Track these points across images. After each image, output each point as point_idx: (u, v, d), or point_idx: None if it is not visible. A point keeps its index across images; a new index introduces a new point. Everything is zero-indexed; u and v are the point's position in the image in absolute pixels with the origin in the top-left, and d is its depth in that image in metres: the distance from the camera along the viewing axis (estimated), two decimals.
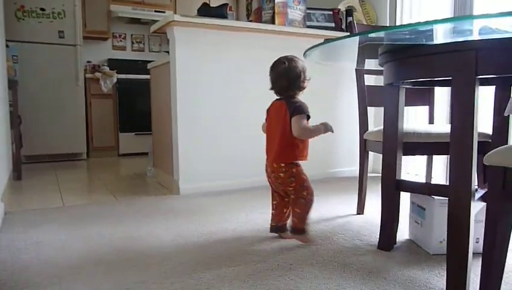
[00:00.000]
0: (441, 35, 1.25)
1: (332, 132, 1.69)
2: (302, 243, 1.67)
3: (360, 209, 2.16)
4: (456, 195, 1.21)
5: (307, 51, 1.43)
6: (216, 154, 2.79)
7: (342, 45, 1.36)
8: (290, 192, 1.66)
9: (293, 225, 1.69)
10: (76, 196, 2.67)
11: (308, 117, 1.63)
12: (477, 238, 1.53)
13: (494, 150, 1.06)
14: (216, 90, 2.77)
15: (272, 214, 1.76)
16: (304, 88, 1.68)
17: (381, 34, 1.29)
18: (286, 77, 1.64)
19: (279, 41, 2.88)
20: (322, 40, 1.45)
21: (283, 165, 1.63)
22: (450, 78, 1.19)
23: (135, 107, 4.88)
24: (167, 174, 2.91)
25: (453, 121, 1.20)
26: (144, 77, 4.63)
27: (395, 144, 1.57)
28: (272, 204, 1.76)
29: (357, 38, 1.27)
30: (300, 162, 1.67)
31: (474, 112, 1.15)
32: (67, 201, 2.52)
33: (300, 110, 1.61)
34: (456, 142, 1.19)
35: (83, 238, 1.77)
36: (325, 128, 1.67)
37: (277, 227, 1.74)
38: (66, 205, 2.41)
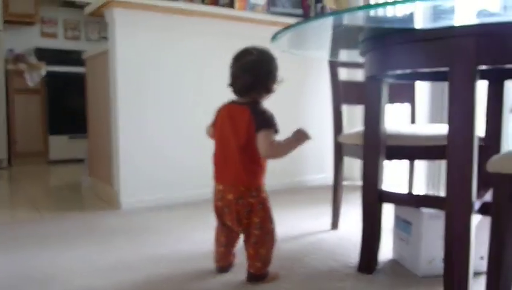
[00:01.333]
0: (428, 18, 1.19)
1: (310, 138, 1.49)
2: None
3: (335, 224, 2.09)
4: (455, 207, 1.15)
5: (276, 34, 1.32)
6: (164, 162, 2.63)
7: (313, 28, 1.27)
8: (255, 226, 1.41)
9: (254, 272, 1.44)
10: None
11: (276, 132, 1.41)
12: (482, 257, 1.48)
13: (500, 155, 1.00)
14: (165, 86, 2.62)
15: (219, 252, 1.52)
16: (272, 91, 1.45)
17: (359, 13, 1.20)
18: (252, 73, 1.40)
19: (239, 29, 2.78)
20: None
21: (253, 188, 1.41)
22: (447, 68, 1.12)
23: (68, 105, 4.65)
24: (106, 185, 2.73)
25: (451, 120, 1.13)
26: (79, 70, 4.39)
27: (378, 147, 1.50)
28: (219, 241, 1.51)
29: (330, 19, 1.18)
30: None
31: (475, 110, 1.09)
32: None
33: (269, 124, 1.39)
34: (455, 146, 1.13)
35: None
36: (299, 138, 1.47)
37: (226, 267, 1.54)
38: None
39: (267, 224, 1.43)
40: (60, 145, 4.63)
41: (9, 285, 1.43)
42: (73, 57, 4.90)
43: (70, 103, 4.63)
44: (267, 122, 1.39)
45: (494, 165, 1.00)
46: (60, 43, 5.20)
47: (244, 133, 1.39)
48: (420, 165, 2.79)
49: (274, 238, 1.46)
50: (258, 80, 1.41)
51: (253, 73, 1.40)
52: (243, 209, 1.40)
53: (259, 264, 1.43)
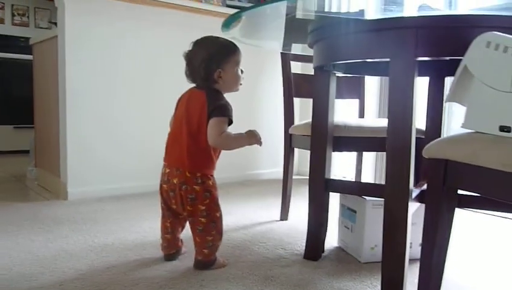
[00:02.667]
0: (374, 8, 1.23)
1: (261, 144, 1.48)
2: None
3: (284, 215, 2.12)
4: (393, 194, 1.19)
5: (225, 20, 1.33)
6: (113, 152, 2.58)
7: (265, 15, 1.29)
8: (201, 213, 1.40)
9: (202, 259, 1.44)
10: None
11: (230, 123, 1.40)
12: (410, 243, 1.54)
13: (435, 141, 1.05)
14: (116, 74, 2.57)
15: (166, 239, 1.50)
16: (212, 80, 1.40)
17: None
18: (188, 61, 1.43)
19: (193, 20, 2.76)
20: None
21: (199, 175, 1.38)
22: (388, 59, 1.17)
23: (14, 93, 4.47)
24: (53, 176, 2.64)
25: (390, 110, 1.18)
26: (26, 57, 4.21)
27: (325, 138, 1.54)
28: (164, 226, 1.49)
29: (285, 3, 1.20)
30: None
31: (414, 102, 1.14)
32: None
33: (222, 112, 1.37)
34: (394, 136, 1.18)
35: None
36: (251, 138, 1.45)
37: (173, 255, 1.53)
38: None
39: (213, 212, 1.42)
40: (5, 135, 4.43)
41: None
42: (20, 44, 4.70)
43: (16, 91, 4.45)
44: (220, 110, 1.37)
45: (428, 151, 1.05)
46: (7, 29, 4.95)
47: (197, 117, 1.38)
48: (369, 156, 2.88)
49: (220, 226, 1.45)
50: (193, 69, 1.42)
51: (189, 62, 1.43)
52: (186, 195, 1.38)
53: (206, 251, 1.43)
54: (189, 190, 1.38)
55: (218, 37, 1.46)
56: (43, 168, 2.88)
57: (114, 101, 2.57)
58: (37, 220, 2.00)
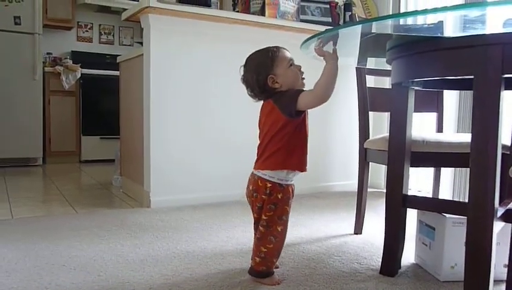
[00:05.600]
0: (455, 27, 1.22)
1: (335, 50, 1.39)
2: (268, 286, 1.44)
3: (359, 229, 2.10)
4: (477, 213, 1.16)
5: (304, 42, 1.37)
6: (193, 163, 2.71)
7: (342, 36, 1.31)
8: (262, 222, 1.42)
9: (253, 266, 1.46)
10: (28, 207, 2.55)
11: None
12: (494, 264, 1.49)
13: None
14: (196, 90, 2.70)
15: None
16: (267, 86, 1.39)
17: (388, 21, 1.25)
18: (243, 78, 1.46)
19: (269, 36, 2.83)
20: None
21: (269, 185, 1.39)
22: (469, 76, 1.15)
23: (101, 107, 4.79)
24: (137, 185, 2.82)
25: (474, 128, 1.15)
26: (112, 73, 4.53)
27: (403, 153, 1.53)
28: (254, 235, 1.50)
29: (359, 27, 1.22)
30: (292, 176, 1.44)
31: (499, 118, 1.11)
32: (16, 213, 2.39)
33: (294, 94, 1.37)
34: (478, 153, 1.15)
35: (33, 258, 1.66)
36: (331, 60, 1.38)
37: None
38: (15, 218, 2.28)
39: (275, 225, 1.41)
40: (92, 145, 4.76)
41: (49, 272, 1.51)
42: (106, 61, 5.06)
43: (103, 104, 4.76)
44: (291, 93, 1.38)
45: None
46: (95, 47, 5.36)
47: (269, 126, 1.40)
48: (447, 172, 2.78)
49: (280, 241, 1.44)
50: (252, 89, 1.44)
51: (246, 84, 1.46)
52: (255, 202, 1.44)
53: (257, 260, 1.44)
54: (258, 198, 1.43)
55: (258, 50, 1.47)
56: (127, 177, 3.08)
57: (193, 115, 2.69)
58: (125, 226, 2.15)
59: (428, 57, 1.26)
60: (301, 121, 1.41)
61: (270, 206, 1.41)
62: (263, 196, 1.41)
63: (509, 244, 1.35)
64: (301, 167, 1.43)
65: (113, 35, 5.48)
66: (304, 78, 1.46)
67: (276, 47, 1.45)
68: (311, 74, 1.49)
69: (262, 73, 1.39)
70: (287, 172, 1.41)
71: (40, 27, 4.36)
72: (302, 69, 1.46)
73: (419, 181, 3.08)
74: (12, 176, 3.70)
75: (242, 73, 1.47)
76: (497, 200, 1.17)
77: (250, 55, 1.47)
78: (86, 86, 4.72)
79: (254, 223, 1.50)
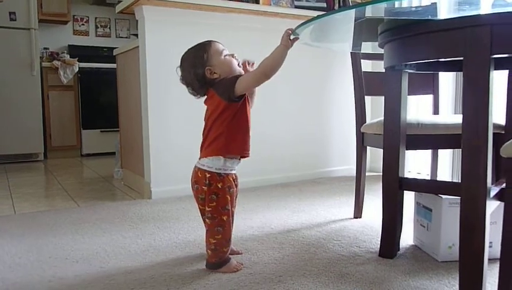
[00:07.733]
0: (447, 8, 1.22)
1: (291, 33, 1.40)
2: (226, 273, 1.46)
3: (358, 213, 2.13)
4: (470, 193, 1.18)
5: (296, 28, 1.38)
6: (193, 153, 2.71)
7: (335, 21, 1.32)
8: (206, 214, 1.45)
9: (207, 259, 1.49)
10: (31, 202, 2.58)
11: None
12: (491, 243, 1.51)
13: None
14: None
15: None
16: (207, 75, 1.44)
17: (381, 4, 1.25)
18: (181, 75, 1.50)
19: (265, 23, 2.84)
20: None
21: (208, 175, 1.43)
22: (461, 58, 1.16)
23: (100, 100, 4.80)
24: (137, 177, 2.84)
25: (465, 108, 1.16)
26: (109, 66, 4.55)
27: (398, 136, 1.54)
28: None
29: (352, 11, 1.23)
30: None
31: (490, 98, 1.12)
32: (19, 208, 2.42)
33: (231, 78, 1.41)
34: (469, 133, 1.16)
35: (35, 252, 1.69)
36: (286, 40, 1.39)
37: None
38: (17, 213, 2.31)
39: (220, 216, 1.43)
40: (92, 139, 4.78)
41: (52, 265, 1.54)
42: (104, 54, 5.06)
43: (102, 98, 4.78)
44: (230, 80, 1.41)
45: (506, 150, 1.03)
46: (91, 40, 5.36)
47: (210, 112, 1.47)
48: (445, 152, 2.79)
49: (227, 230, 1.45)
50: (193, 86, 1.48)
51: (186, 83, 1.50)
52: (197, 194, 1.48)
53: (209, 253, 1.47)
54: (199, 190, 1.47)
55: (190, 48, 1.50)
56: (128, 169, 3.10)
57: (190, 105, 2.70)
58: (126, 218, 2.18)
59: (418, 40, 1.27)
60: (241, 105, 1.44)
61: (211, 196, 1.43)
62: (203, 187, 1.45)
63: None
64: (242, 151, 1.47)
65: (110, 28, 5.47)
66: (239, 62, 1.49)
67: (208, 41, 1.49)
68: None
69: (200, 67, 1.44)
70: (224, 160, 1.44)
71: (35, 22, 4.35)
72: (236, 56, 1.49)
73: (419, 164, 3.09)
74: (14, 172, 3.73)
75: (179, 74, 1.50)
76: (489, 179, 1.18)
77: (183, 55, 1.51)
78: (84, 79, 4.73)
79: (202, 216, 1.53)
